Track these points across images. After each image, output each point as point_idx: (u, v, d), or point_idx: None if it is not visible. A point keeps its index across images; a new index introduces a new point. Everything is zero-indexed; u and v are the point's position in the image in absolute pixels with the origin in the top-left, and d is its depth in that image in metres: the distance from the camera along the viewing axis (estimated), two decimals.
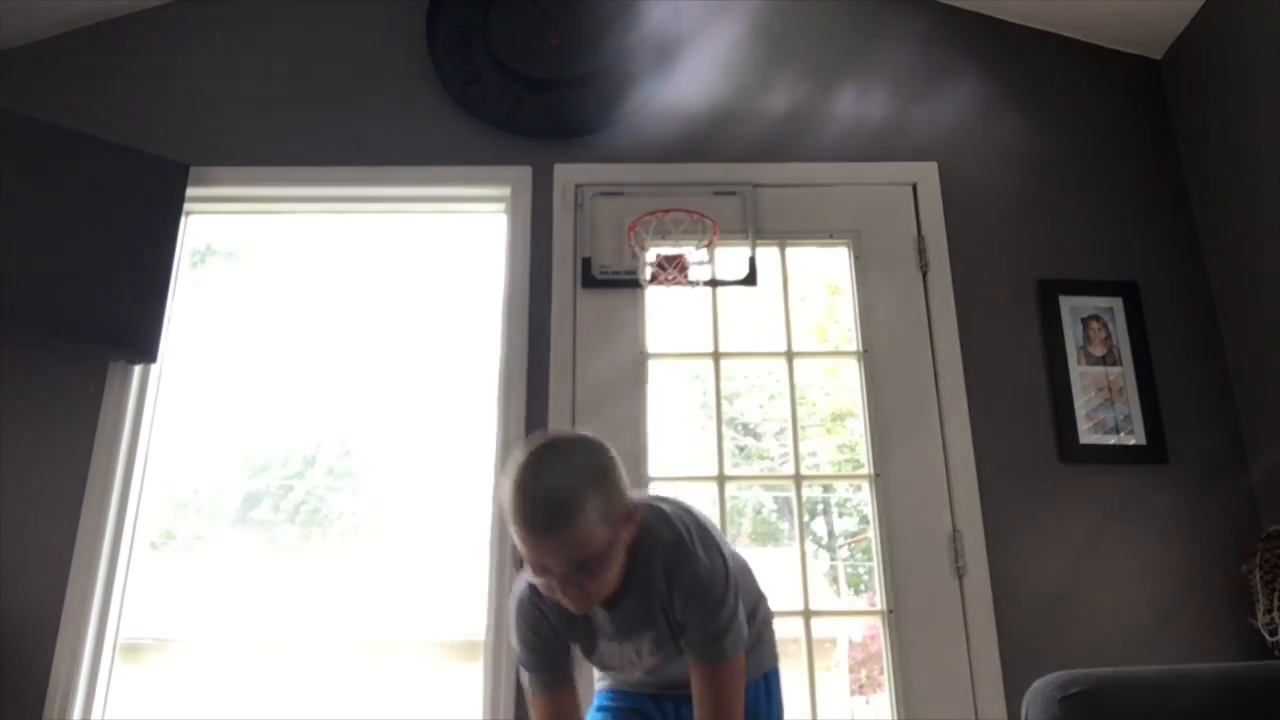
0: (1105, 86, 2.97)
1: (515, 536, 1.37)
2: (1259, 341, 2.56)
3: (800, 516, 2.76)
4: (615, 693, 1.73)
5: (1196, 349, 2.69)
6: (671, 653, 1.53)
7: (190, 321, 2.83)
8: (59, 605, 2.44)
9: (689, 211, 2.70)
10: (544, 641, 1.54)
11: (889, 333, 2.70)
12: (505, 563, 2.47)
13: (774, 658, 1.72)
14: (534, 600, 1.51)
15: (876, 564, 2.51)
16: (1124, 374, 2.65)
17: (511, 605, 1.56)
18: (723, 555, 1.50)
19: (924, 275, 2.74)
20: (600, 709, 1.73)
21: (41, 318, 2.52)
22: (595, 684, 1.77)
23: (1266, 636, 2.30)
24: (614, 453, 1.44)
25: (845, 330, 2.71)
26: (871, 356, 2.67)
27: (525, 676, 1.58)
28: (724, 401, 2.75)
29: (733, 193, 2.80)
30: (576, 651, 1.58)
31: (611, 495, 1.40)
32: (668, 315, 2.75)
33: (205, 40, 3.01)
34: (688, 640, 1.49)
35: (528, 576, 1.44)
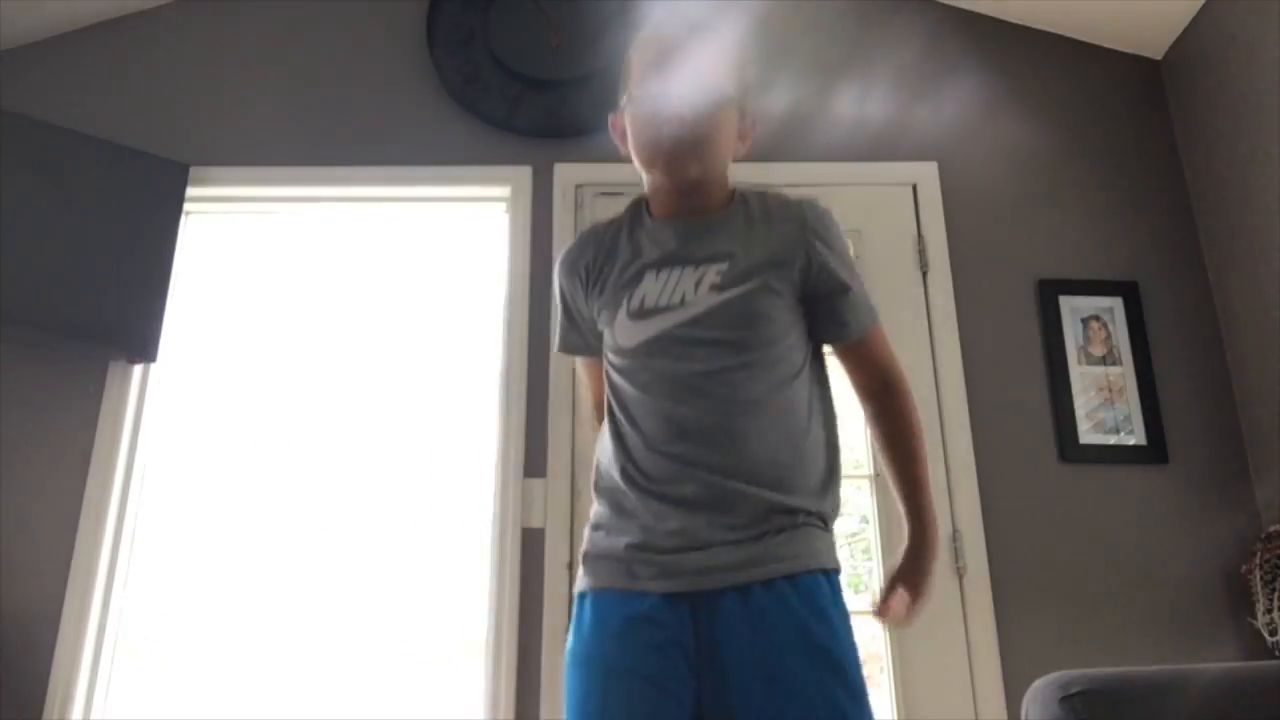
0: (1105, 86, 2.97)
1: (635, 53, 1.37)
2: (1259, 341, 2.56)
3: None
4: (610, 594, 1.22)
5: (1196, 349, 2.69)
6: (732, 301, 1.26)
7: (190, 321, 2.83)
8: (59, 605, 2.44)
9: None
10: (579, 300, 1.40)
11: (889, 332, 2.68)
12: (505, 563, 2.47)
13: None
14: (584, 236, 1.42)
15: (876, 564, 2.51)
16: (1124, 374, 2.65)
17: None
18: None
19: (924, 275, 2.74)
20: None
21: (41, 317, 2.52)
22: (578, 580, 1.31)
23: (1266, 636, 2.30)
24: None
25: None
26: None
27: (562, 342, 1.46)
28: None
29: None
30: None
31: (745, 77, 1.40)
32: None
33: (205, 40, 3.01)
34: (824, 304, 1.32)
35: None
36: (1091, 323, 2.69)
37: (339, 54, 2.99)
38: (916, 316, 2.70)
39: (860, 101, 2.92)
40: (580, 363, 1.50)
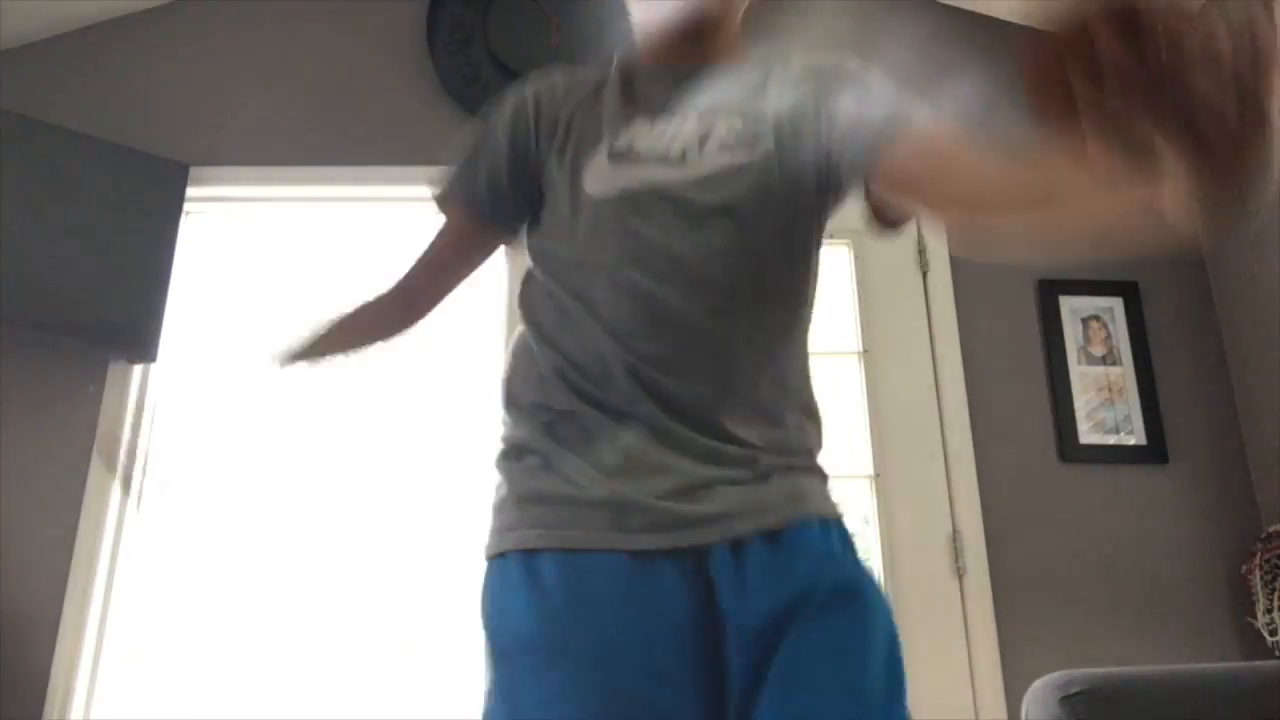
0: None
1: None
2: (1259, 341, 2.56)
3: None
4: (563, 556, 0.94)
5: (1196, 349, 2.69)
6: (751, 165, 0.99)
7: (190, 321, 2.83)
8: (59, 605, 2.44)
9: None
10: (515, 134, 1.06)
11: (889, 333, 2.70)
12: None
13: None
14: (550, 71, 1.13)
15: (876, 564, 2.51)
16: (1124, 374, 2.65)
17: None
18: None
19: (924, 275, 2.74)
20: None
21: (42, 317, 2.52)
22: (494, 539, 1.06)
23: (1266, 636, 2.30)
24: None
25: (845, 330, 2.70)
26: (871, 356, 2.67)
27: (449, 181, 1.12)
28: None
29: None
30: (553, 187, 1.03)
31: None
32: None
33: (205, 40, 3.01)
34: (855, 137, 1.06)
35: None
36: (1091, 323, 2.70)
37: (339, 54, 3.00)
38: (917, 317, 2.70)
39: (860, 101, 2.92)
40: (443, 227, 1.14)
